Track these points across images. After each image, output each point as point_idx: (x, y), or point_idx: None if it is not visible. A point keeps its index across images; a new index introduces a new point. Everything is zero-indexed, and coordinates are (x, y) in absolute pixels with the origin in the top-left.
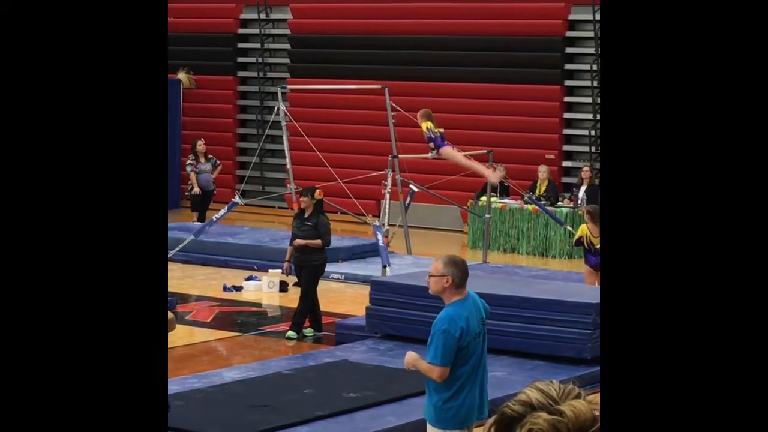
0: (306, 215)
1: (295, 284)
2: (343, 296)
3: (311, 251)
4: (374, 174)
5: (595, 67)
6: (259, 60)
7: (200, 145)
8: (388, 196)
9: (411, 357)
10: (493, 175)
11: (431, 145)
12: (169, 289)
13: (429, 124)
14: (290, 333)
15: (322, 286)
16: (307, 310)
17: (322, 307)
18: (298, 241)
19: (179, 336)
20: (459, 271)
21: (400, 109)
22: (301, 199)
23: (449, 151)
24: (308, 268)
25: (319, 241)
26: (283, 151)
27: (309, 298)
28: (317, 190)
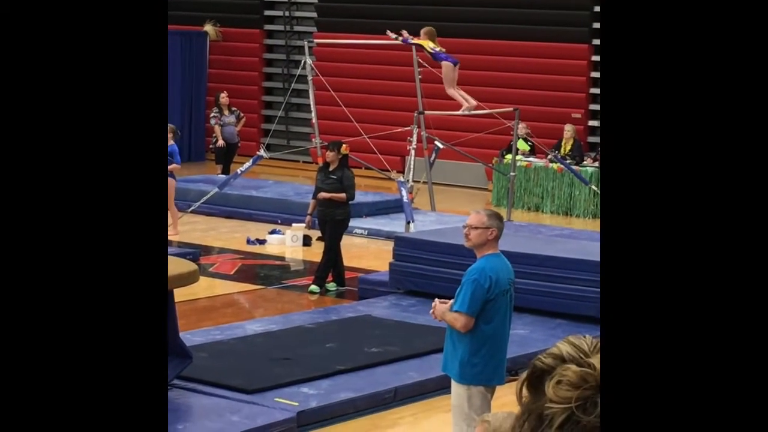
0: (331, 169)
1: (319, 238)
2: (366, 251)
3: (335, 205)
4: (400, 130)
5: None
6: (286, 13)
7: (223, 98)
8: (413, 152)
9: (440, 309)
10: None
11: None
12: (193, 241)
13: (430, 43)
14: (313, 287)
15: (346, 241)
16: (331, 265)
17: (346, 262)
18: (323, 194)
19: (202, 288)
20: (502, 224)
21: (426, 65)
22: (327, 153)
23: (448, 70)
24: (332, 223)
25: (343, 195)
26: (309, 105)
27: (332, 253)
28: (344, 145)
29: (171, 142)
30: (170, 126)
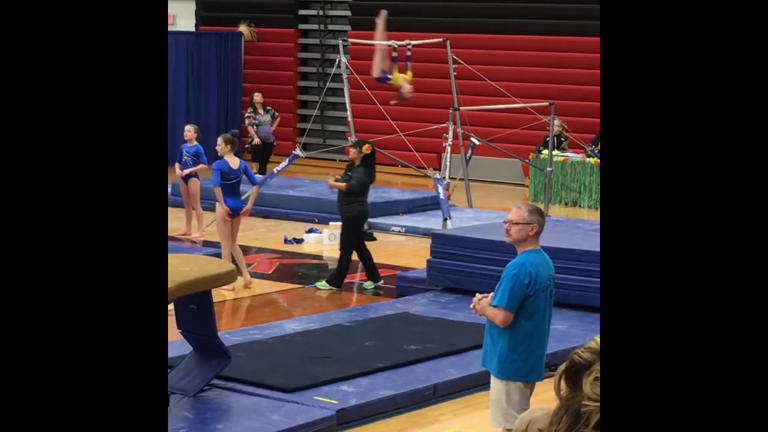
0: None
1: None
2: (403, 249)
3: (347, 202)
4: (435, 127)
5: None
6: (321, 12)
7: (257, 97)
8: (449, 149)
9: (482, 304)
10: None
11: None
12: None
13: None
14: (320, 283)
15: (383, 239)
16: (345, 271)
17: (383, 260)
18: (329, 184)
19: (240, 287)
20: (543, 220)
21: (461, 62)
22: (350, 149)
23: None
24: (344, 222)
25: (344, 185)
26: (344, 103)
27: (345, 256)
28: (366, 145)
29: (195, 142)
30: (194, 127)
